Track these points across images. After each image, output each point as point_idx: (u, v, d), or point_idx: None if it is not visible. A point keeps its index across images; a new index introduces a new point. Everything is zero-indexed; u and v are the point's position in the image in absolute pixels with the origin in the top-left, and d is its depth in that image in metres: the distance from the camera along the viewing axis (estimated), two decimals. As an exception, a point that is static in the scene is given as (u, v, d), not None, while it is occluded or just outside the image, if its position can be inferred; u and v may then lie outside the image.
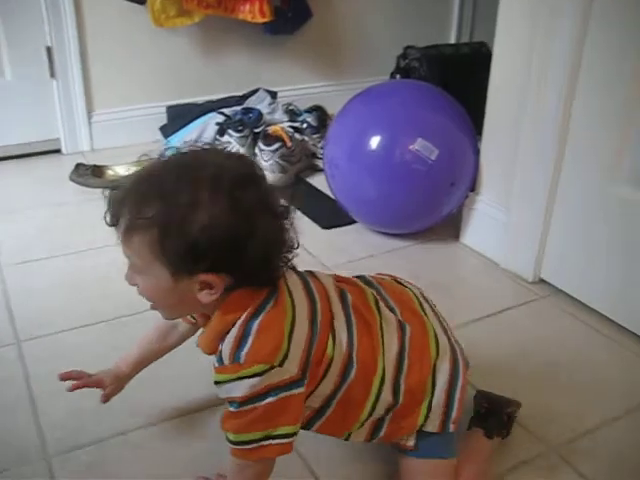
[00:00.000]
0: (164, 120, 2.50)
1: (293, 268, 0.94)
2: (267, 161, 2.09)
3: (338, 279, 1.01)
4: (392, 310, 0.99)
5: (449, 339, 1.02)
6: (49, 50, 2.36)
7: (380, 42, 2.81)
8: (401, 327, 0.97)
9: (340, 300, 0.95)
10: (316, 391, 0.91)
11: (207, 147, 0.91)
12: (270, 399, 0.84)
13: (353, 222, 1.91)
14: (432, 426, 0.98)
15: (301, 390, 0.86)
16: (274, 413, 0.85)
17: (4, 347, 1.37)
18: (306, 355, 0.86)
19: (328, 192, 1.99)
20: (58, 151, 2.49)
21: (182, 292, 0.85)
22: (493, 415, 1.12)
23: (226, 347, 0.85)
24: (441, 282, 1.67)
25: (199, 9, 2.36)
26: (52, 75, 2.39)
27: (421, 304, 1.04)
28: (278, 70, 2.69)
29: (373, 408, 0.94)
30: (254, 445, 0.86)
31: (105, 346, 1.35)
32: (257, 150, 2.14)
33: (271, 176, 2.09)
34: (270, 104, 2.47)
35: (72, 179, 2.18)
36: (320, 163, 2.24)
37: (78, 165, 2.21)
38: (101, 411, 1.15)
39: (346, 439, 0.99)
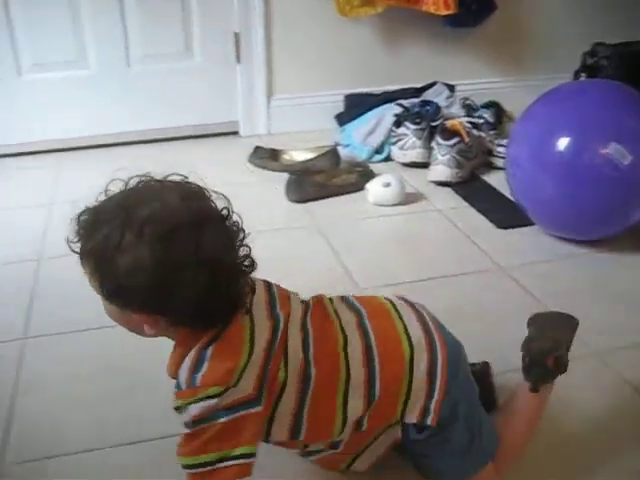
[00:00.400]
0: (341, 108, 2.54)
1: (265, 282, 0.96)
2: (444, 155, 2.07)
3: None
4: (357, 311, 0.98)
5: (427, 332, 0.98)
6: (237, 36, 2.45)
7: (565, 38, 2.69)
8: (361, 325, 0.96)
9: (303, 310, 0.94)
10: (278, 409, 0.89)
11: (170, 181, 0.89)
12: (225, 418, 0.82)
13: (530, 224, 1.85)
14: (411, 416, 0.95)
15: (259, 409, 0.85)
16: (230, 432, 0.83)
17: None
18: (262, 374, 0.85)
19: (504, 191, 1.94)
20: (236, 133, 2.59)
21: (131, 321, 0.87)
22: (536, 366, 1.05)
23: (182, 372, 0.85)
24: (625, 295, 1.59)
25: (383, -1, 2.37)
26: (237, 60, 2.49)
27: (394, 304, 1.02)
28: (457, 63, 2.65)
29: (344, 405, 0.92)
30: (209, 468, 0.83)
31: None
32: (434, 144, 2.12)
33: (447, 171, 2.07)
34: (447, 98, 2.44)
35: (251, 161, 2.27)
36: (496, 161, 2.19)
37: (257, 148, 2.28)
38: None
39: (347, 466, 1.02)
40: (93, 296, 0.86)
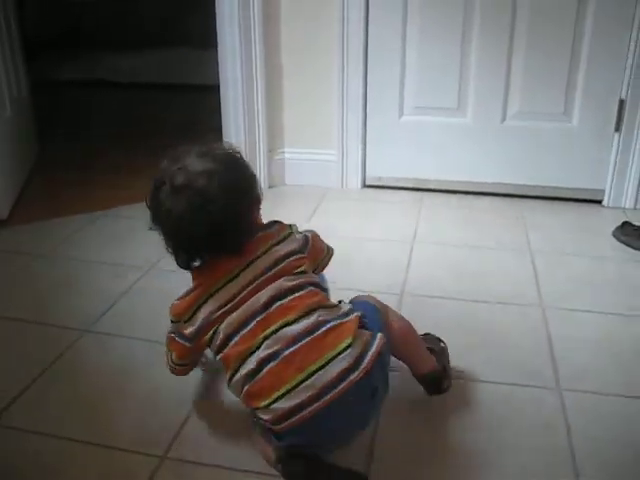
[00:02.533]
0: None
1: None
2: None
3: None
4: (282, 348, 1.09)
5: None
6: (622, 103, 2.36)
7: None
8: (271, 357, 1.09)
9: (262, 306, 1.12)
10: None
11: (207, 152, 1.15)
12: (172, 334, 1.23)
13: None
14: None
15: (187, 344, 1.20)
16: (171, 343, 1.24)
17: (545, 390, 1.41)
18: (195, 332, 1.16)
19: None
20: (599, 202, 2.49)
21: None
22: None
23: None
24: None
25: None
26: (617, 129, 2.39)
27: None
28: None
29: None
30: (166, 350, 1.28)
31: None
32: None
33: None
34: None
35: (615, 235, 2.16)
36: None
37: (624, 223, 2.17)
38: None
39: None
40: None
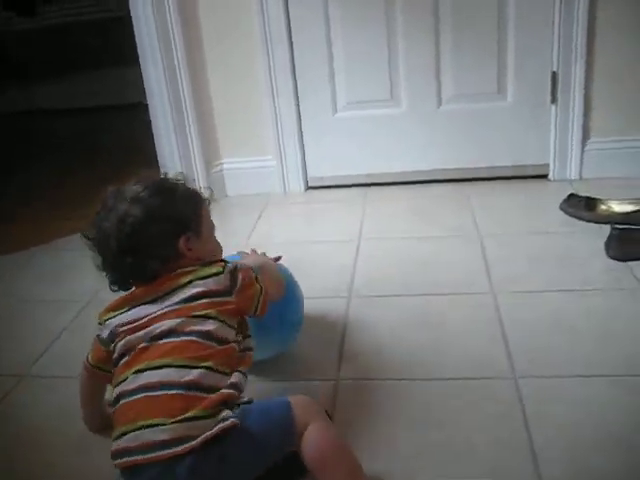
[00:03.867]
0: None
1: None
2: None
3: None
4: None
5: None
6: (554, 75, 2.33)
7: None
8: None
9: (153, 337, 1.07)
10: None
11: (145, 178, 1.18)
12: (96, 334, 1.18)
13: None
14: None
15: (102, 347, 1.16)
16: (94, 342, 1.20)
17: (500, 380, 1.36)
18: (109, 336, 1.13)
19: None
20: (544, 176, 2.46)
21: None
22: None
23: None
24: None
25: None
26: (552, 101, 2.36)
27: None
28: None
29: None
30: None
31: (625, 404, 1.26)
32: None
33: None
34: None
35: (562, 208, 2.13)
36: None
37: (571, 195, 2.14)
38: None
39: None
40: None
